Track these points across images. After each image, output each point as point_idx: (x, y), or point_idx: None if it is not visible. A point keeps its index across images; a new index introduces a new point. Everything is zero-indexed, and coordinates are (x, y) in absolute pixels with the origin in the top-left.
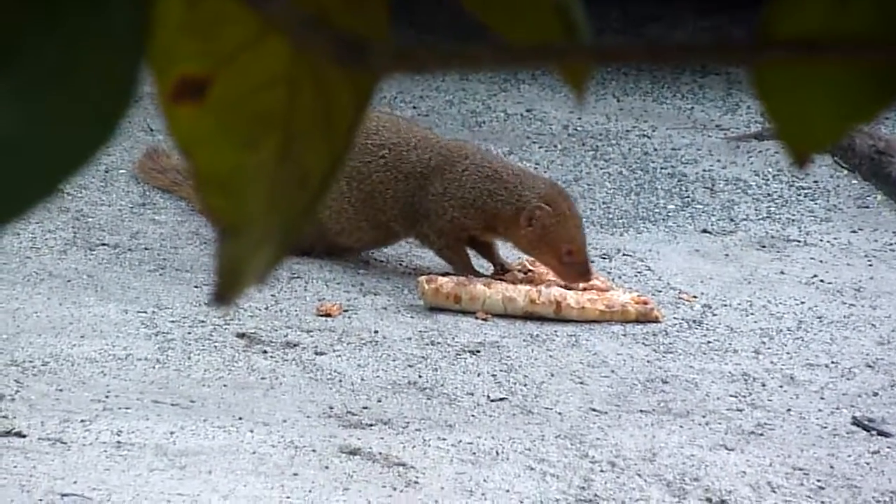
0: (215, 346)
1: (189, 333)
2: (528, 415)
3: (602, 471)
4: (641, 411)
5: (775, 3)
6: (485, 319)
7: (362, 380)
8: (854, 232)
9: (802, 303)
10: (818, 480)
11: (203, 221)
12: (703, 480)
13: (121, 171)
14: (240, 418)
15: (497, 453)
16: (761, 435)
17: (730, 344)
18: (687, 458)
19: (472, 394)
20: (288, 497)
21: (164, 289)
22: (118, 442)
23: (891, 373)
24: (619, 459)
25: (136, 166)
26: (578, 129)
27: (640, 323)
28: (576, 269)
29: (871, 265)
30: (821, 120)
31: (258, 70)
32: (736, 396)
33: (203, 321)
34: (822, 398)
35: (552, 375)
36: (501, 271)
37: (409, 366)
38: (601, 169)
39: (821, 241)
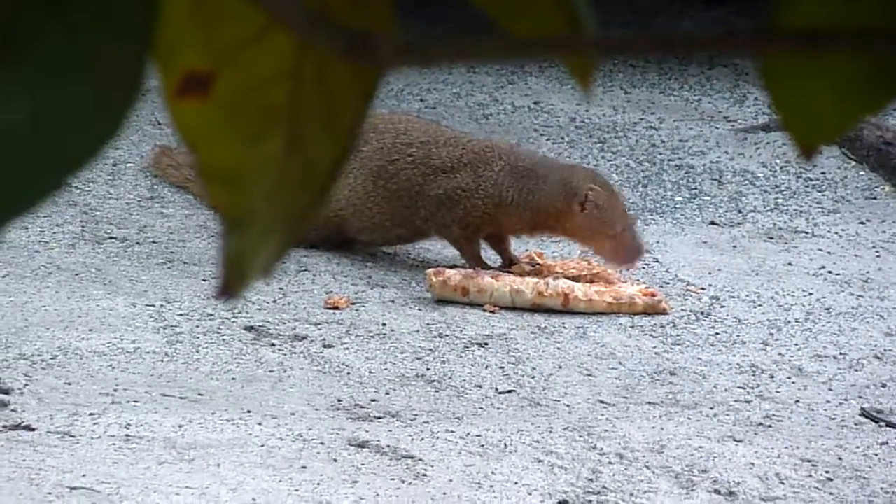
0: (223, 340)
1: (197, 327)
2: (536, 407)
3: (610, 463)
4: (649, 403)
5: None
6: (493, 312)
7: (370, 372)
8: (862, 223)
9: (810, 294)
10: (826, 472)
11: (211, 215)
12: (711, 472)
13: (129, 165)
14: (248, 411)
15: (505, 445)
16: (769, 426)
17: (738, 335)
18: (695, 450)
19: (481, 386)
20: (296, 490)
21: (173, 282)
22: (127, 435)
23: None
24: (628, 451)
25: (151, 161)
26: (586, 121)
27: (647, 315)
28: (631, 246)
29: (878, 256)
30: (828, 111)
31: (263, 64)
32: (744, 388)
33: (211, 314)
34: (830, 389)
35: (560, 367)
36: (509, 265)
37: (417, 358)
38: (608, 161)
39: (828, 232)
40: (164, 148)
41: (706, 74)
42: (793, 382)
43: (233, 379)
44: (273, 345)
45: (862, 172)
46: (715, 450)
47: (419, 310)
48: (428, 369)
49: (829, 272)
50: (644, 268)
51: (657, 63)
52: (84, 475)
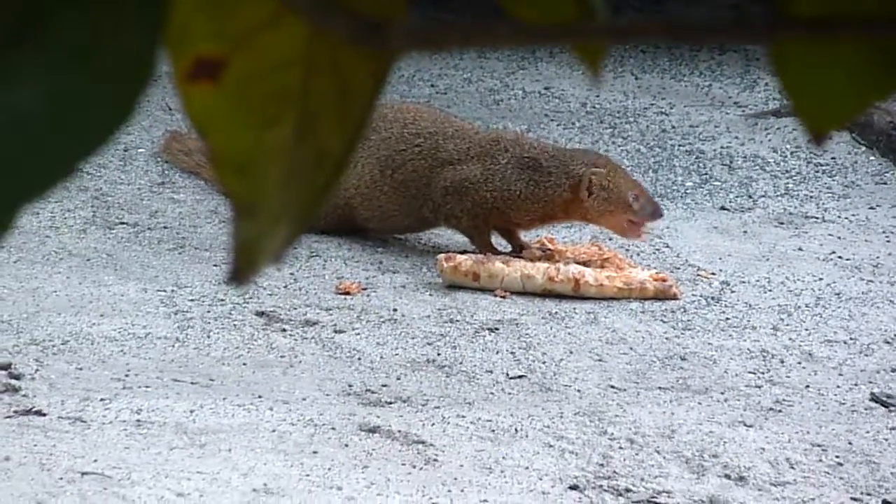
0: (234, 325)
1: (208, 312)
2: (546, 392)
3: (621, 448)
4: (660, 388)
5: None
6: (503, 297)
7: (381, 358)
8: (872, 208)
9: (821, 279)
10: (837, 456)
11: (222, 200)
12: (721, 457)
13: (140, 150)
14: (259, 396)
15: (516, 430)
16: (780, 411)
17: (748, 321)
18: (706, 435)
19: (491, 371)
20: (307, 475)
21: (184, 267)
22: (138, 420)
23: None
24: (638, 436)
25: (162, 147)
26: (596, 106)
27: (658, 300)
28: (648, 211)
29: (889, 241)
30: (838, 97)
31: (274, 50)
32: (754, 373)
33: (222, 300)
34: (840, 374)
35: (571, 353)
36: (520, 250)
37: (428, 343)
38: (619, 146)
39: (839, 217)
40: (175, 133)
41: (717, 60)
42: (803, 367)
43: (244, 364)
44: (284, 330)
45: (872, 158)
46: (725, 435)
47: (430, 295)
48: (439, 354)
49: (840, 257)
50: (655, 253)
51: (668, 48)
52: (95, 460)
